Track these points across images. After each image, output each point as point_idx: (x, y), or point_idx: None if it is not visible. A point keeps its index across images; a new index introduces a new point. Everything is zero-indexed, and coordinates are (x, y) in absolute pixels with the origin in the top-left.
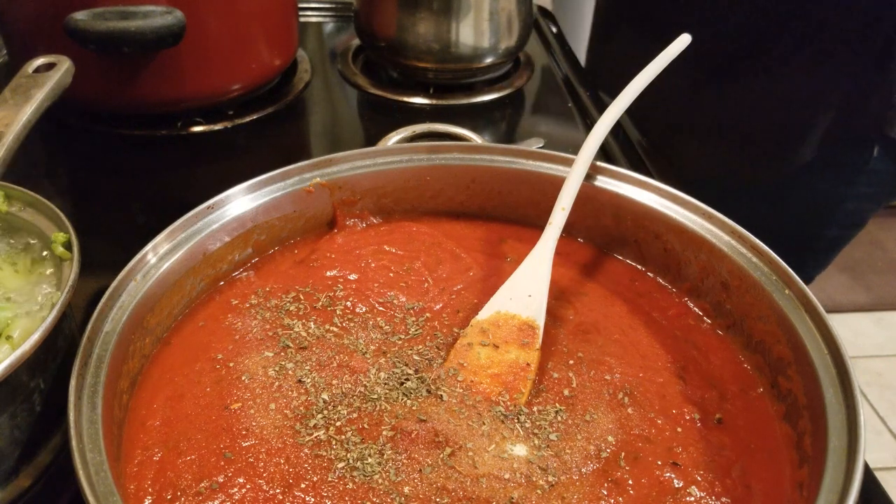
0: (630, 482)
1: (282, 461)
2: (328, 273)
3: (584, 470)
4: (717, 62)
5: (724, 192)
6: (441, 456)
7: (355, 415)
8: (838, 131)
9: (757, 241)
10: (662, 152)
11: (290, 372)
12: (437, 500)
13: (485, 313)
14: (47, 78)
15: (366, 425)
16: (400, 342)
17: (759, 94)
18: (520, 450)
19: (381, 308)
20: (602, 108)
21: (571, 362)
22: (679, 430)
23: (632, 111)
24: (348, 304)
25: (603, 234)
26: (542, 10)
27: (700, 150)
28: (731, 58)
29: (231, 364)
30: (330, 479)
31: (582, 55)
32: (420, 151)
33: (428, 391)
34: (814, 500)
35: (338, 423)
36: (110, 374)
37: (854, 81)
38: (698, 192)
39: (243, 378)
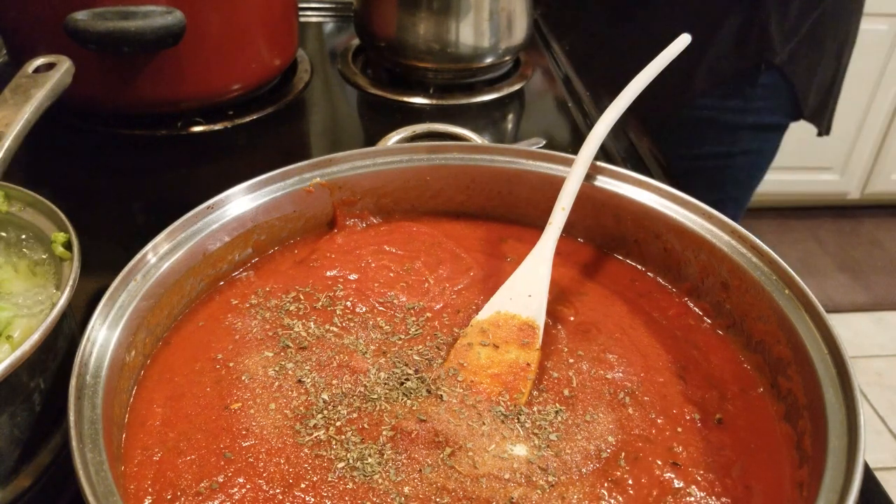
0: (630, 482)
1: (282, 461)
2: (328, 273)
3: (584, 470)
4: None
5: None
6: (441, 456)
7: (355, 415)
8: (731, 58)
9: (757, 241)
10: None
11: (290, 372)
12: (437, 500)
13: (485, 313)
14: (47, 78)
15: (366, 425)
16: (400, 342)
17: (658, 28)
18: (520, 450)
19: (381, 308)
20: (602, 108)
21: (571, 361)
22: (679, 429)
23: (632, 110)
24: (348, 304)
25: (603, 234)
26: (541, 9)
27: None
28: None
29: (231, 364)
30: (330, 479)
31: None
32: (420, 151)
33: (428, 391)
34: (814, 500)
35: (338, 423)
36: (110, 373)
37: (738, 15)
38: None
39: (243, 378)
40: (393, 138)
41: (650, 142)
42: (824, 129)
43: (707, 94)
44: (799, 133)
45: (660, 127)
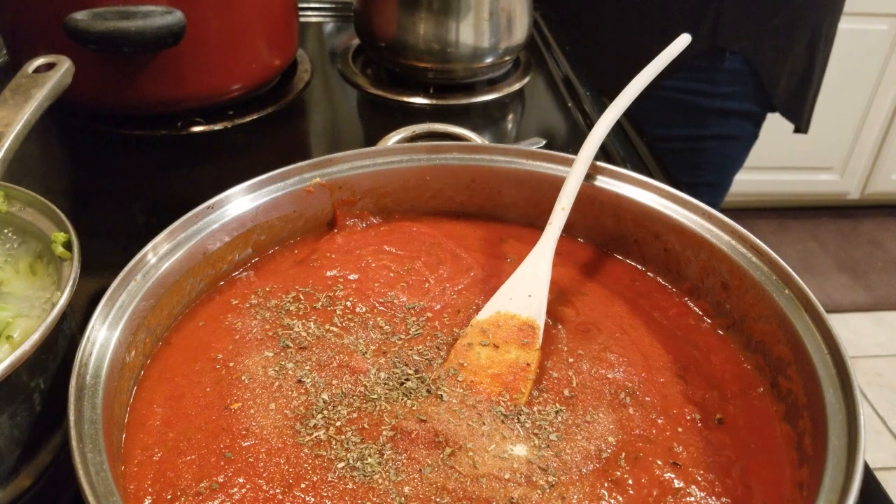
0: (630, 482)
1: (282, 461)
2: (328, 273)
3: (584, 470)
4: None
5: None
6: (441, 456)
7: (355, 415)
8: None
9: (757, 241)
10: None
11: (290, 372)
12: (437, 500)
13: (485, 313)
14: (47, 78)
15: (366, 425)
16: (400, 342)
17: (626, 12)
18: (520, 450)
19: (381, 308)
20: (602, 108)
21: (572, 361)
22: (679, 430)
23: (630, 110)
24: (348, 303)
25: (603, 234)
26: (542, 10)
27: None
28: None
29: (231, 364)
30: (330, 479)
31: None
32: (420, 151)
33: (428, 391)
34: (814, 500)
35: (338, 423)
36: (110, 373)
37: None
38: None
39: (243, 378)
40: (393, 138)
41: (627, 123)
42: (803, 125)
43: (670, 76)
44: (799, 133)
45: (632, 107)
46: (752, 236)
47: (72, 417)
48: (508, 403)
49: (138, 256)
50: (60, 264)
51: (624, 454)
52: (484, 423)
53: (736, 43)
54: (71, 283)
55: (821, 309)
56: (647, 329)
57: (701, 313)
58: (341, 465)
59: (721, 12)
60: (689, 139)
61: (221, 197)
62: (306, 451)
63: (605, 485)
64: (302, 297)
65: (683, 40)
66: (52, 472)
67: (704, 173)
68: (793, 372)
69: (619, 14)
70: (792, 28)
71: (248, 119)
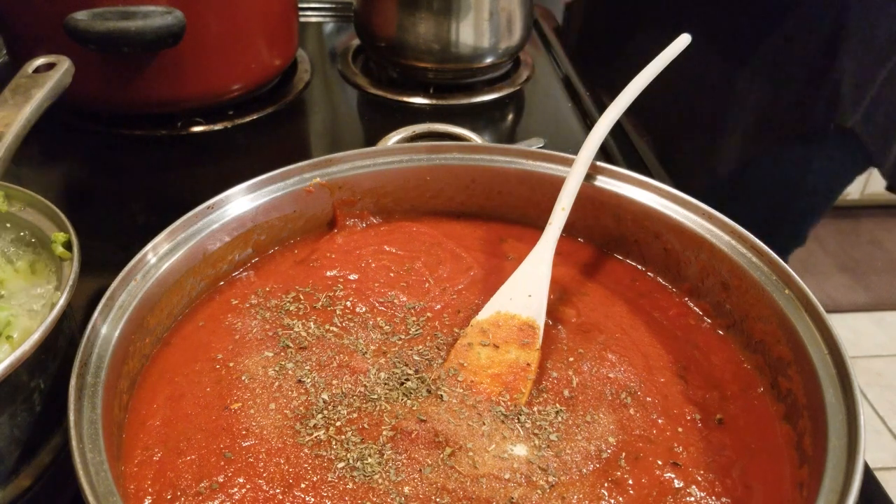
0: (630, 482)
1: (282, 461)
2: (328, 273)
3: (584, 470)
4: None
5: (697, 170)
6: (441, 456)
7: (355, 415)
8: (798, 117)
9: (757, 241)
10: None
11: (290, 372)
12: (437, 500)
13: (485, 313)
14: (47, 78)
15: (366, 425)
16: (400, 342)
17: (731, 88)
18: (520, 450)
19: (381, 308)
20: (602, 108)
21: (572, 361)
22: (680, 430)
23: (633, 109)
24: (348, 303)
25: (603, 234)
26: (542, 9)
27: (678, 134)
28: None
29: (231, 364)
30: (330, 479)
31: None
32: (420, 151)
33: (428, 391)
34: (814, 500)
35: (338, 423)
36: (110, 374)
37: (807, 72)
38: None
39: (243, 378)
40: (393, 138)
41: (628, 123)
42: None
43: (765, 155)
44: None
45: (722, 183)
46: (752, 236)
47: (72, 417)
48: (508, 403)
49: (138, 256)
50: (60, 264)
51: (624, 454)
52: (484, 423)
53: (850, 118)
54: (71, 283)
55: (821, 309)
56: (647, 329)
57: (701, 313)
58: (341, 465)
59: (839, 84)
60: (777, 208)
61: (221, 197)
62: (306, 451)
63: (606, 485)
64: (302, 297)
65: (683, 40)
66: (52, 472)
67: (787, 227)
68: (793, 372)
69: (622, 15)
70: None
71: (248, 119)
